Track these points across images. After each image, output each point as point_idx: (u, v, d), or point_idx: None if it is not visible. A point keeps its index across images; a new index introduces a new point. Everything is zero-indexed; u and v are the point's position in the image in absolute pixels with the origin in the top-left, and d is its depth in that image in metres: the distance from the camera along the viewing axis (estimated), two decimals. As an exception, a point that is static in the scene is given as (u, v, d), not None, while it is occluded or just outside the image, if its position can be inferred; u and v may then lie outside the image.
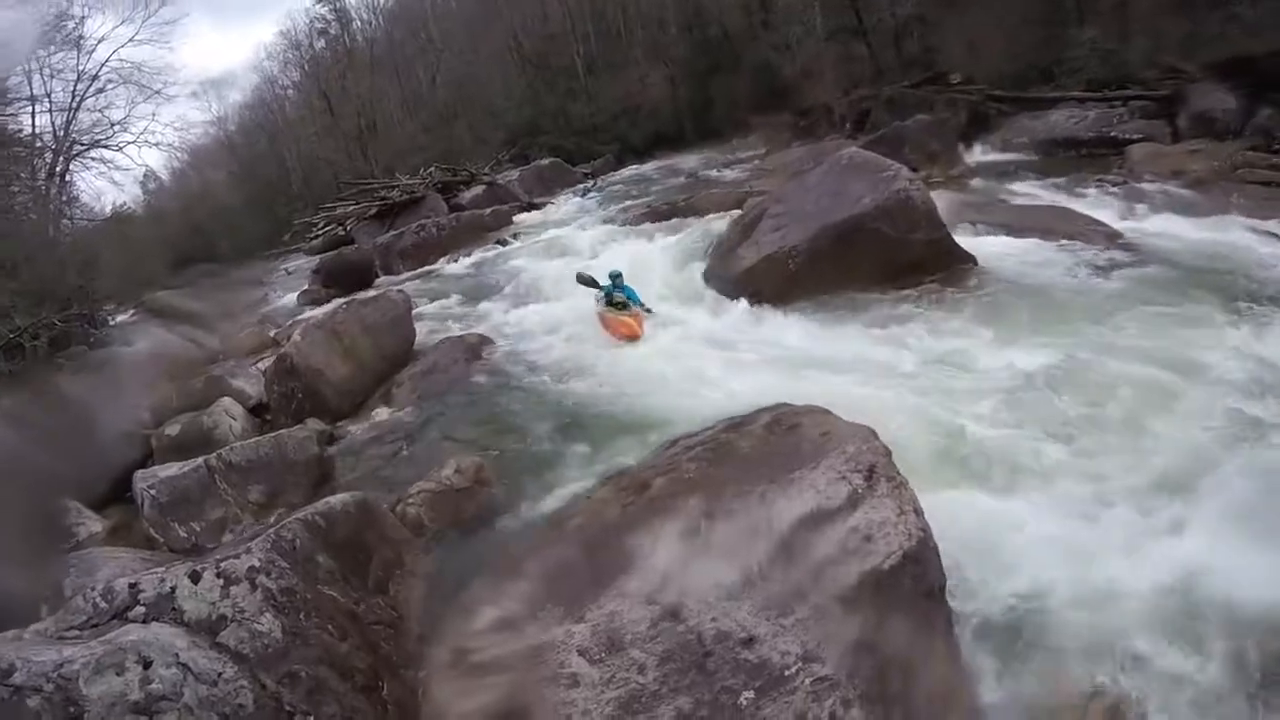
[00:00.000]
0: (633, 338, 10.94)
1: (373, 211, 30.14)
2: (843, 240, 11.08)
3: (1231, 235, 12.11)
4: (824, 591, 4.14)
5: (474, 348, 11.64)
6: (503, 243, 20.65)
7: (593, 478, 6.92)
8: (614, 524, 4.81)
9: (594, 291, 12.22)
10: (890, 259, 10.94)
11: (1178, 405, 7.08)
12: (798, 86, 30.53)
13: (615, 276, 11.96)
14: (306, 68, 57.29)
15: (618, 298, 11.78)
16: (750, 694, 3.86)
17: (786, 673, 3.91)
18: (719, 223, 14.35)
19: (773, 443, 5.21)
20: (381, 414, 10.33)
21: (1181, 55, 20.54)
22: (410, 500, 7.17)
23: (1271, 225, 12.59)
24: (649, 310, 11.59)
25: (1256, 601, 4.84)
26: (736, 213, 14.14)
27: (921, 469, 5.75)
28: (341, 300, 14.75)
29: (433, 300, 15.93)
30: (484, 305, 14.72)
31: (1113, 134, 18.59)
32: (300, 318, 11.80)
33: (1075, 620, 4.96)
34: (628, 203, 22.72)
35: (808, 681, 3.88)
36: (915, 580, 4.39)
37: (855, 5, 30.13)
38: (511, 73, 49.55)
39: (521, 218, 25.02)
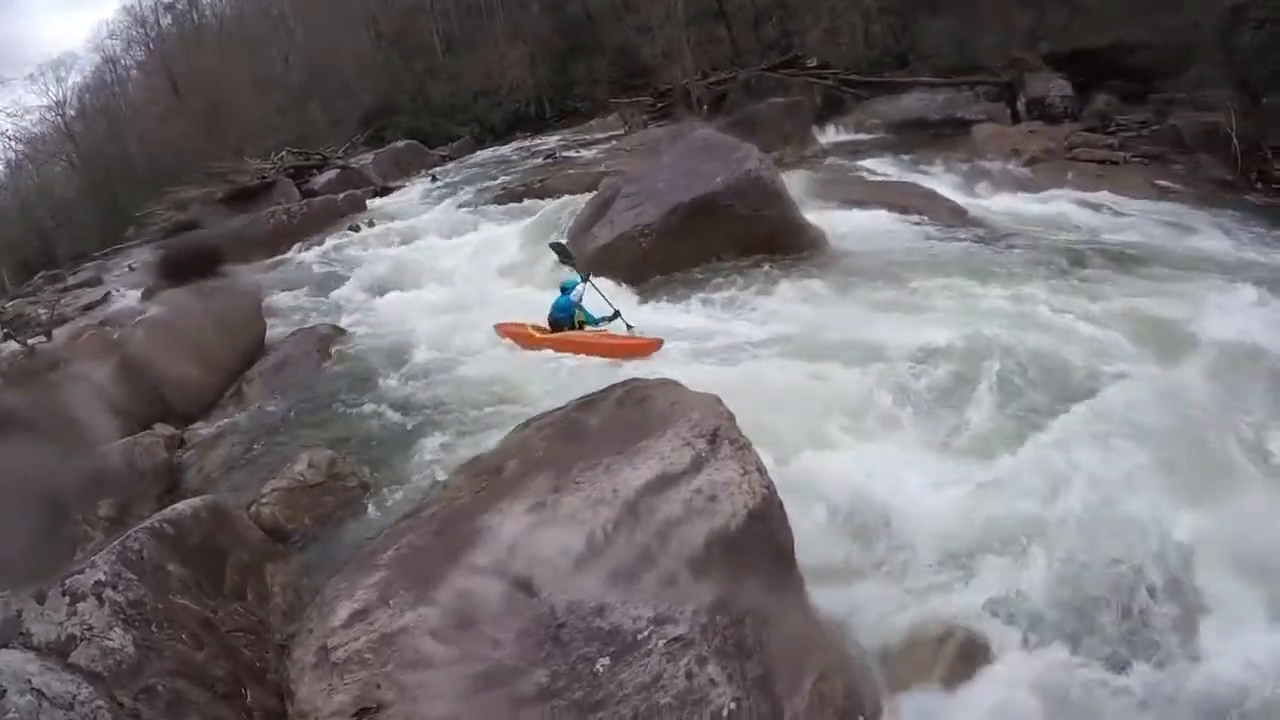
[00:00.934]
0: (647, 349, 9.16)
1: (219, 196, 28.34)
2: (695, 218, 11.23)
3: (1063, 207, 13.14)
4: (672, 553, 4.16)
5: (327, 339, 11.28)
6: (355, 229, 19.89)
7: (451, 464, 6.82)
8: (466, 508, 4.71)
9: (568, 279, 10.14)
10: (741, 235, 11.25)
11: (1008, 360, 7.53)
12: (657, 68, 30.64)
13: (568, 288, 9.94)
14: (152, 46, 53.79)
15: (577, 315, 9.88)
16: (606, 660, 3.85)
17: (639, 637, 3.91)
18: (575, 203, 14.30)
19: (623, 416, 5.20)
20: (233, 413, 9.96)
21: (1027, 45, 21.76)
22: (264, 500, 6.94)
23: (1100, 198, 13.73)
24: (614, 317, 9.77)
25: (1074, 526, 5.48)
26: (592, 193, 14.08)
27: (768, 430, 5.93)
28: (187, 293, 13.78)
29: (285, 290, 15.30)
30: (337, 294, 14.28)
31: (959, 116, 19.40)
32: (144, 315, 10.96)
33: (921, 561, 5.35)
34: (485, 184, 22.36)
35: (661, 644, 3.88)
36: (762, 536, 4.47)
37: (718, -11, 30.19)
38: (368, 51, 47.89)
39: (375, 203, 24.33)
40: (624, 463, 4.58)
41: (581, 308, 9.76)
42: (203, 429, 9.70)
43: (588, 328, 9.68)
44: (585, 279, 9.89)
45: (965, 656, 4.82)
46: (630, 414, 5.18)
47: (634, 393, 5.39)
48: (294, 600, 5.48)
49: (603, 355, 9.10)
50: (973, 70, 21.90)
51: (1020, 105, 19.83)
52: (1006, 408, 6.98)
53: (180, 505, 5.44)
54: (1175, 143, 16.83)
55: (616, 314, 9.55)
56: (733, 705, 3.81)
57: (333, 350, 10.93)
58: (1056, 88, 19.82)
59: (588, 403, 5.49)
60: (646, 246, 11.28)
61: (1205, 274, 10.10)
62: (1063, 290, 9.26)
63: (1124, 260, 10.55)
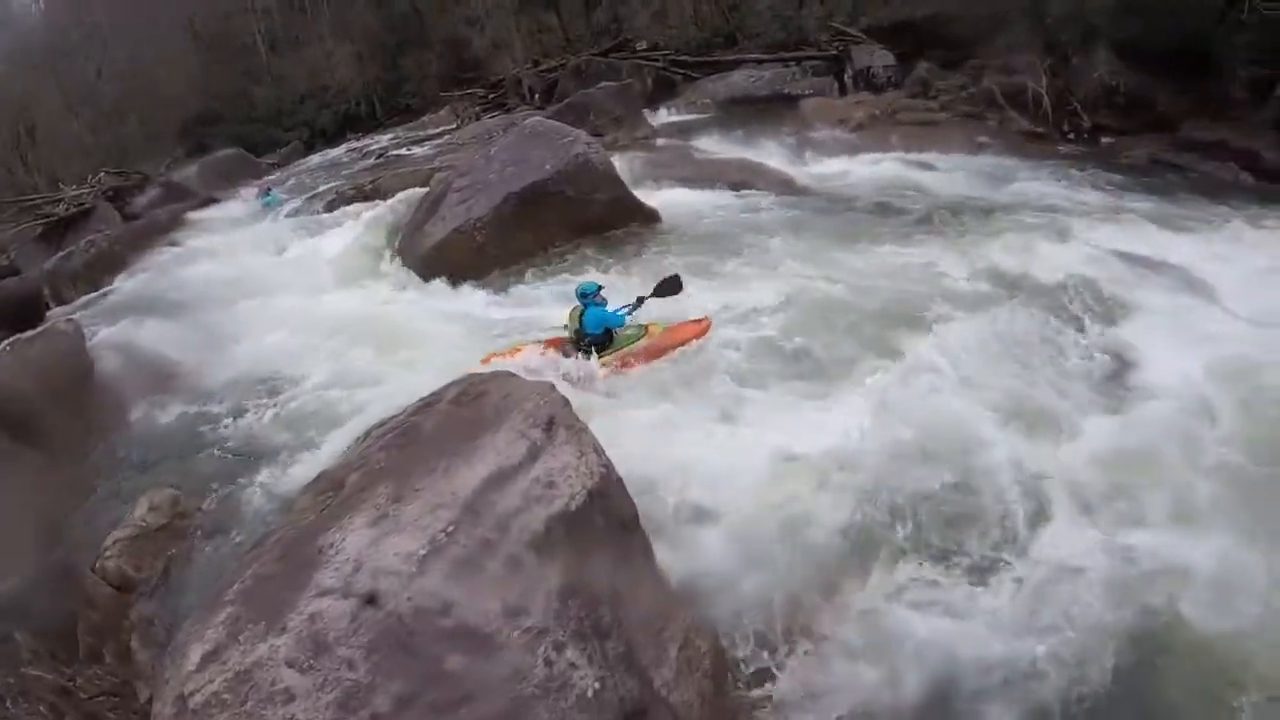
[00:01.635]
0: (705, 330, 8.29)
1: (38, 232, 26.22)
2: (526, 206, 11.18)
3: (888, 167, 13.89)
4: (515, 543, 4.12)
5: (160, 370, 10.42)
6: (180, 246, 18.46)
7: (298, 484, 6.44)
8: (310, 528, 4.53)
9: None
10: (575, 220, 11.28)
11: (835, 315, 7.99)
12: (488, 59, 30.21)
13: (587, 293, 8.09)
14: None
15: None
16: (461, 659, 3.77)
17: (490, 630, 3.85)
18: (407, 201, 13.89)
19: (459, 415, 5.11)
20: (63, 464, 8.99)
21: (850, 20, 22.38)
22: (108, 554, 6.35)
23: (923, 157, 14.63)
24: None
25: (910, 457, 5.97)
26: (425, 190, 13.71)
27: (603, 406, 6.35)
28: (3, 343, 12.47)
29: (112, 323, 13.93)
30: (166, 322, 13.06)
31: (787, 91, 19.96)
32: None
33: (768, 517, 5.51)
34: (316, 190, 21.41)
35: (515, 634, 3.84)
36: (605, 515, 4.52)
37: (547, -24, 29.87)
38: (187, 57, 45.11)
39: (201, 217, 22.61)
40: (461, 463, 4.51)
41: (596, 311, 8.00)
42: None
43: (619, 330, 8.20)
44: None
45: (822, 607, 5.09)
46: (466, 412, 5.09)
47: (470, 389, 5.30)
48: (155, 654, 5.20)
49: (670, 354, 8.01)
50: (800, 46, 22.44)
51: (847, 78, 20.52)
52: (835, 353, 7.44)
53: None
54: (991, 103, 17.99)
55: (640, 301, 8.26)
56: (596, 685, 3.80)
57: (166, 381, 10.13)
58: (880, 58, 20.68)
59: (425, 405, 5.37)
60: (481, 240, 11.13)
61: (1022, 216, 11.24)
62: (886, 241, 9.87)
63: (945, 210, 11.44)
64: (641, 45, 25.06)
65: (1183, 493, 5.80)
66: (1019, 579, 5.21)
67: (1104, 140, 17.38)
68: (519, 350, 8.04)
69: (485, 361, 7.62)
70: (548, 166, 11.27)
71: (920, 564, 5.31)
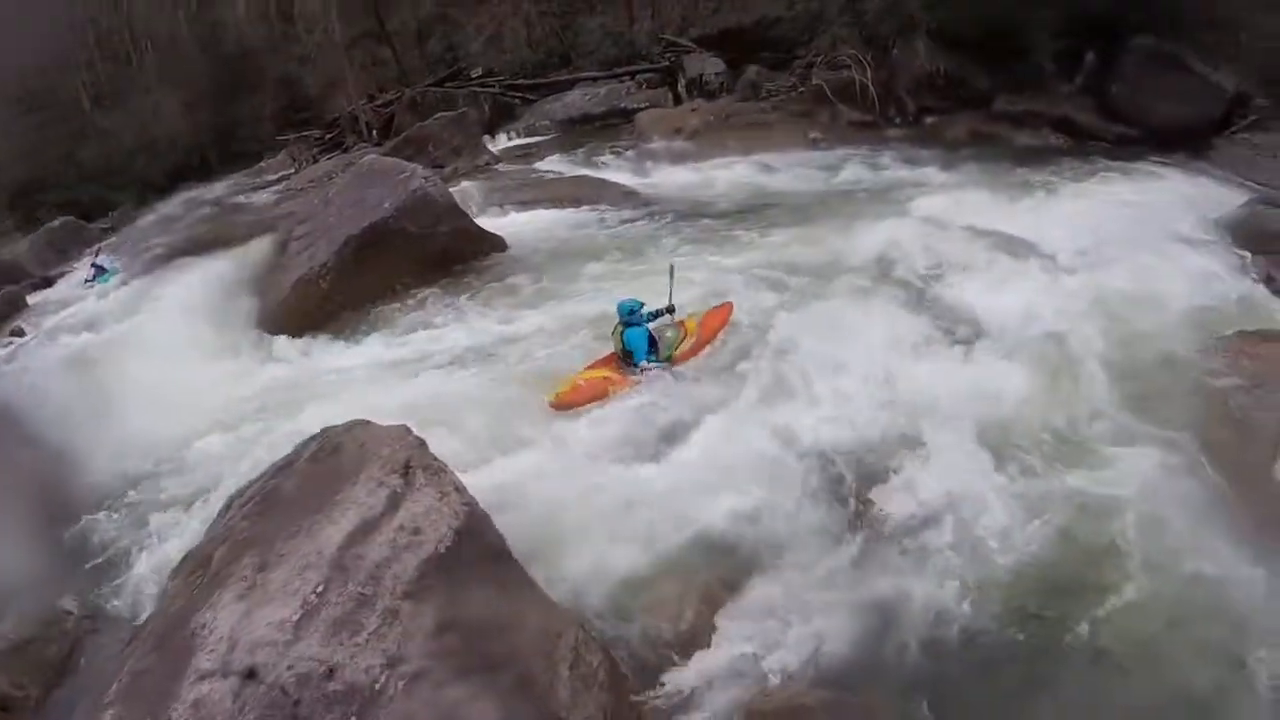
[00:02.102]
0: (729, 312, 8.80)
1: None
2: (369, 248, 10.94)
3: (724, 171, 14.46)
4: (389, 594, 4.10)
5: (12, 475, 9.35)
6: (18, 333, 17.23)
7: (170, 565, 6.16)
8: (182, 612, 4.44)
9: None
10: (420, 257, 11.08)
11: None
12: (323, 98, 29.49)
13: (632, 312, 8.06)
14: None
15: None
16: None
17: (378, 686, 3.82)
18: (247, 253, 13.32)
19: (317, 472, 5.03)
20: None
21: (680, 31, 22.93)
22: None
23: (758, 157, 15.21)
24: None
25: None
26: (266, 239, 13.32)
27: (467, 444, 6.34)
28: None
29: None
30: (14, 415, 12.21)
31: (624, 106, 20.23)
32: None
33: (634, 523, 5.70)
34: (155, 249, 20.20)
35: (400, 684, 3.82)
36: (476, 551, 4.54)
37: (376, 8, 29.20)
38: (6, 119, 42.26)
39: (38, 298, 21.13)
40: (324, 521, 4.47)
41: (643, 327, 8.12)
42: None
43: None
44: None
45: (706, 599, 5.29)
46: (324, 468, 5.03)
47: (325, 444, 5.22)
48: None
49: (715, 340, 8.38)
50: (633, 61, 22.83)
51: (681, 88, 20.96)
52: None
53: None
54: (820, 99, 18.78)
55: (671, 309, 8.37)
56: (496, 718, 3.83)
57: (18, 487, 9.13)
58: (711, 66, 21.29)
59: (283, 466, 5.30)
60: (327, 286, 10.82)
61: (857, 200, 12.09)
62: (724, 241, 10.29)
63: (783, 204, 11.97)
64: (476, 72, 24.99)
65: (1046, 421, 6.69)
66: (903, 542, 5.65)
67: (928, 121, 18.80)
68: (585, 382, 7.89)
69: (559, 402, 7.60)
70: (386, 205, 11.03)
71: (800, 550, 5.57)
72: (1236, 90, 18.44)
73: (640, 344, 7.77)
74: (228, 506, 5.39)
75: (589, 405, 7.49)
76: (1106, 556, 5.42)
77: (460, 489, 4.68)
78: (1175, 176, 14.97)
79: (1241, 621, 4.90)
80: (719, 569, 5.43)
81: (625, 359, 7.89)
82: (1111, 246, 10.12)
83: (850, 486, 6.03)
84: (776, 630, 5.02)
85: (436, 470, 4.77)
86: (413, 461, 4.75)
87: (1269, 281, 9.89)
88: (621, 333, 7.82)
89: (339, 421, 5.40)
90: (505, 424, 7.01)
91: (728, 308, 8.67)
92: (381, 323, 10.21)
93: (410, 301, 10.47)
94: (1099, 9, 18.38)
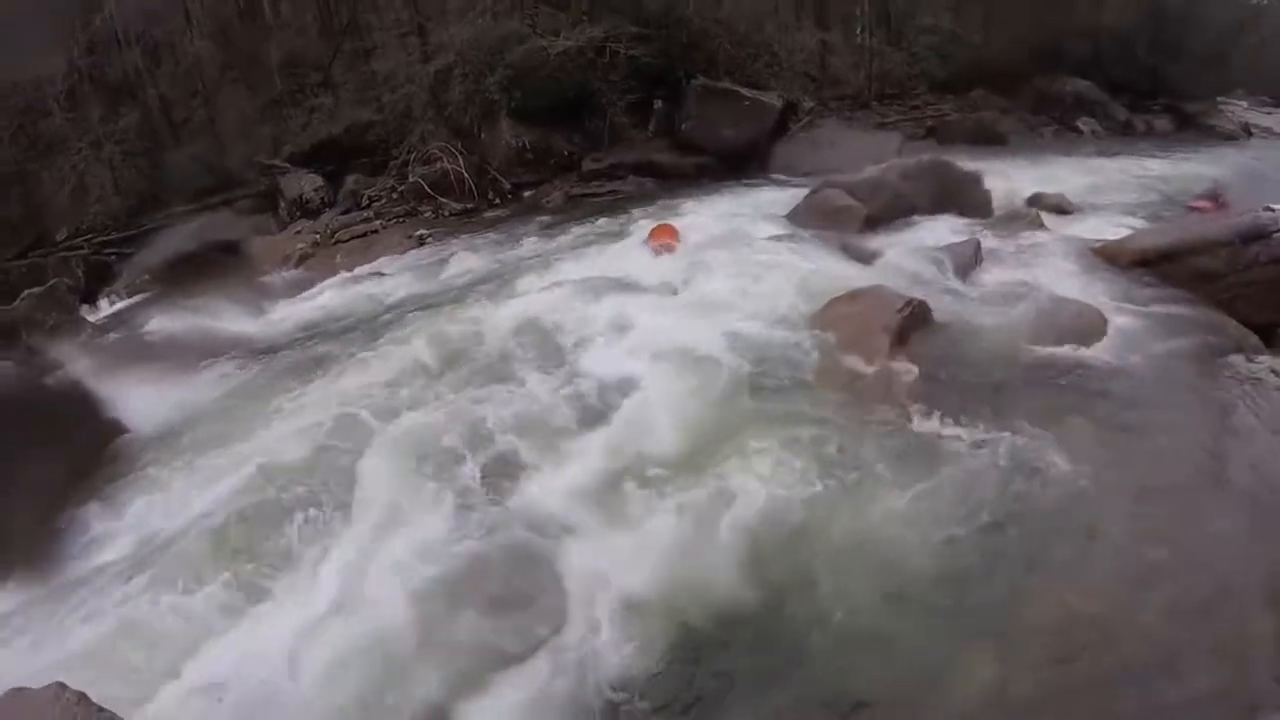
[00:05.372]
0: None
1: None
2: None
3: (337, 294, 14.50)
4: None
5: None
6: None
7: None
8: None
9: None
10: (44, 465, 9.48)
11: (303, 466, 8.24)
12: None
13: None
14: None
15: None
16: None
17: None
18: None
19: None
20: None
21: (274, 151, 22.96)
22: None
23: (370, 268, 15.57)
24: None
25: None
26: None
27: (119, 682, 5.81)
28: None
29: None
30: None
31: (228, 238, 19.68)
32: None
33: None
34: None
35: None
36: None
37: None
38: None
39: None
40: None
41: None
42: None
43: None
44: None
45: None
46: None
47: None
48: None
49: None
50: (230, 188, 22.47)
51: (282, 210, 20.90)
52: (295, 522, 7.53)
53: None
54: (421, 195, 19.57)
55: None
56: None
57: None
58: (309, 182, 21.41)
59: None
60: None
61: (467, 290, 12.79)
62: (333, 376, 10.36)
63: (389, 317, 12.30)
64: (62, 234, 23.25)
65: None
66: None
67: (526, 195, 20.19)
68: None
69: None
70: None
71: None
72: (785, 102, 21.98)
73: None
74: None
75: None
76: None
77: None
78: (749, 188, 17.61)
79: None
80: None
81: None
82: (704, 263, 11.93)
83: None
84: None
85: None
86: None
87: (845, 250, 12.11)
88: None
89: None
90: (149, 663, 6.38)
91: None
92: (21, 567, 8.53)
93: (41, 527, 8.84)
94: (655, 65, 21.21)
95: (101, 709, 4.60)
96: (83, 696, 4.63)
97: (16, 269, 21.52)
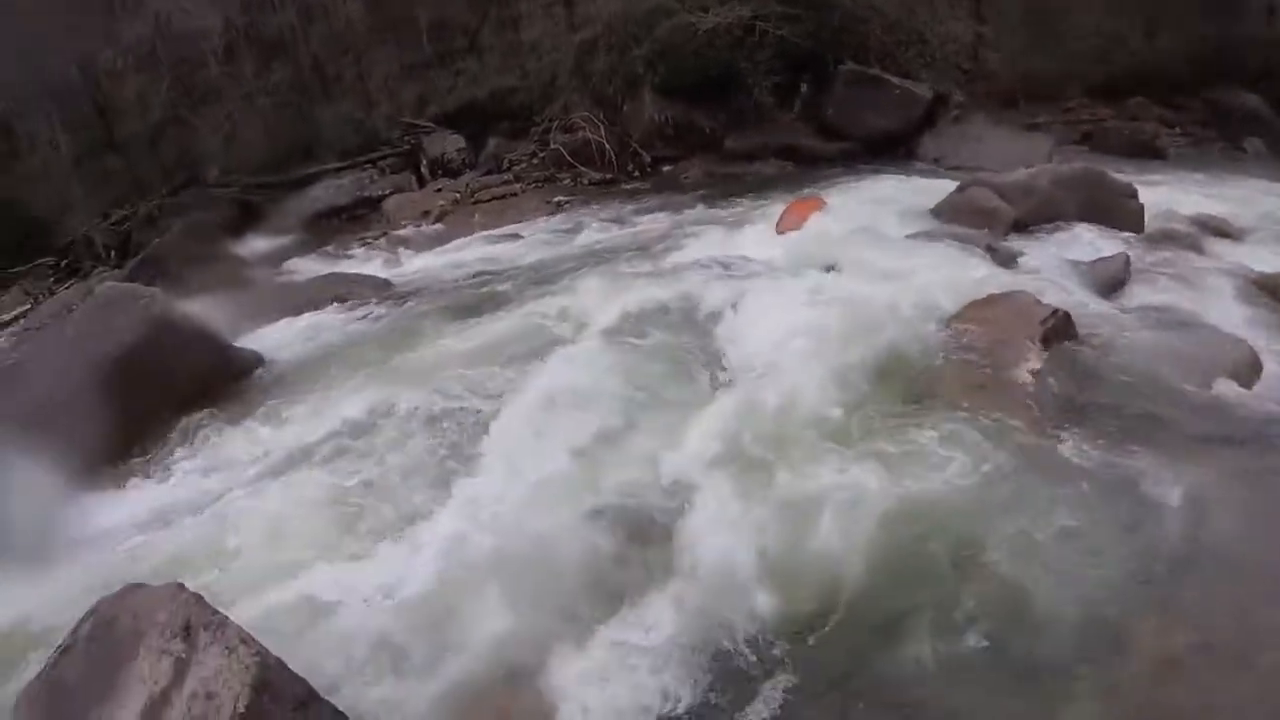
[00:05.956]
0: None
1: None
2: (114, 387, 9.78)
3: (474, 250, 14.71)
4: None
5: None
6: None
7: None
8: None
9: None
10: (172, 392, 10.17)
11: (422, 417, 8.32)
12: (51, 222, 27.60)
13: None
14: None
15: None
16: None
17: None
18: None
19: (96, 654, 4.72)
20: None
21: (418, 111, 23.48)
22: None
23: (506, 230, 15.84)
24: None
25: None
26: None
27: (240, 587, 6.01)
28: None
29: None
30: None
31: (368, 194, 20.26)
32: None
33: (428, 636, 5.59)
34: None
35: None
36: (277, 701, 4.39)
37: (104, 117, 27.85)
38: None
39: None
40: (114, 707, 4.29)
41: None
42: None
43: None
44: None
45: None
46: (103, 647, 4.74)
47: (100, 620, 4.92)
48: None
49: None
50: (374, 147, 23.03)
51: (424, 169, 21.33)
52: (430, 456, 7.70)
53: None
54: (561, 163, 19.66)
55: None
56: None
57: None
58: (452, 144, 21.79)
59: (64, 651, 4.94)
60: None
61: (601, 257, 12.59)
62: (467, 326, 10.40)
63: (524, 278, 12.23)
64: (214, 174, 24.29)
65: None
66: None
67: (664, 169, 20.05)
68: None
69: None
70: (127, 338, 10.07)
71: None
72: (934, 93, 21.25)
73: None
74: (16, 705, 5.01)
75: None
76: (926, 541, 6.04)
77: (247, 640, 4.54)
78: (893, 178, 17.08)
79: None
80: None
81: None
82: (847, 253, 11.42)
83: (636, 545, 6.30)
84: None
85: (219, 624, 4.60)
86: (192, 621, 4.56)
87: (990, 251, 11.51)
88: None
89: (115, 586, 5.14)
90: (273, 552, 6.74)
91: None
92: (144, 475, 9.25)
93: (172, 437, 9.58)
94: (804, 47, 20.72)
95: (215, 610, 4.72)
96: (199, 598, 4.78)
97: (169, 205, 22.55)
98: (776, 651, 5.42)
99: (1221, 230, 13.93)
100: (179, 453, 9.45)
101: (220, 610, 4.75)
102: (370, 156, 22.71)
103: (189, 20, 26.88)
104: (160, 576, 5.21)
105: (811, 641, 5.50)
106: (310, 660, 5.08)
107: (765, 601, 5.73)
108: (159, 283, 12.60)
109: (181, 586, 4.89)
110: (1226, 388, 8.09)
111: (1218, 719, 4.69)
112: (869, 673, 5.26)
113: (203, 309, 11.51)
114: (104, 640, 4.77)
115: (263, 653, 4.55)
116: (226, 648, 4.46)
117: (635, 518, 6.57)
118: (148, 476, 9.32)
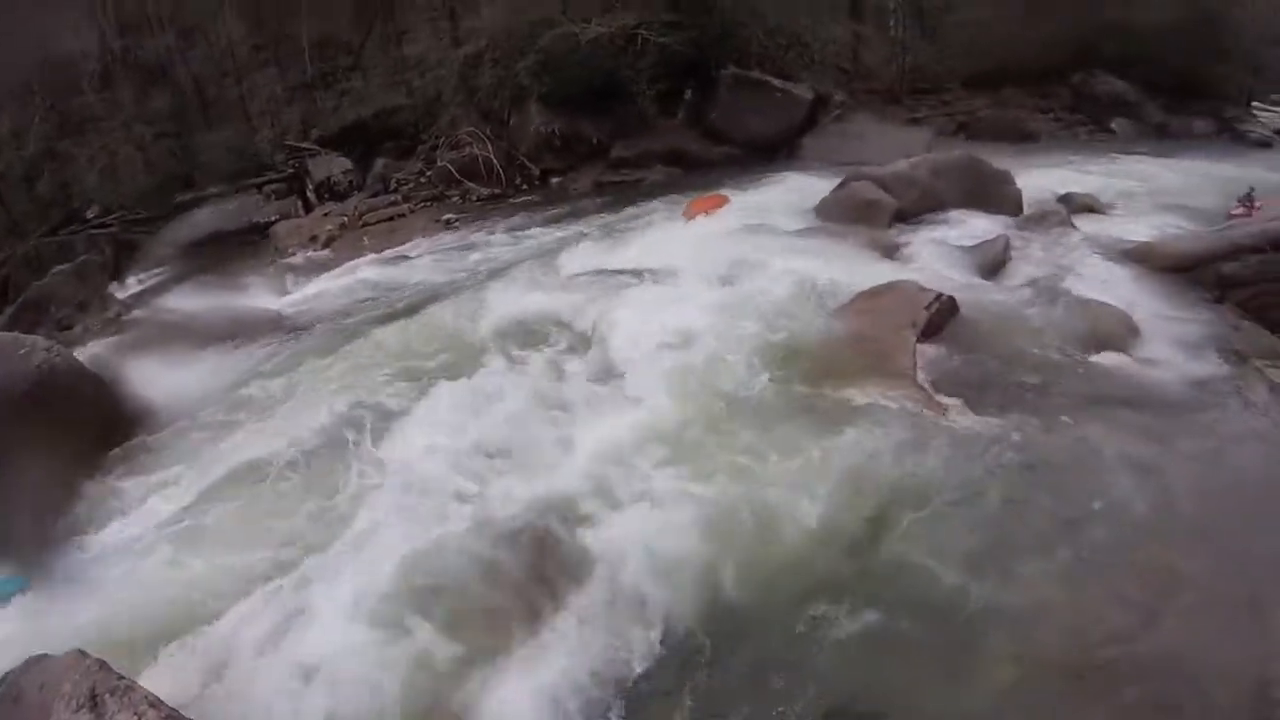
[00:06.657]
0: None
1: None
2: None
3: (363, 274, 15.02)
4: None
5: None
6: None
7: None
8: None
9: None
10: (59, 448, 9.35)
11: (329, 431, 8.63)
12: (-74, 267, 26.35)
13: None
14: None
15: None
16: None
17: None
18: None
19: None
20: None
21: (302, 134, 23.06)
22: None
23: (395, 252, 15.86)
24: None
25: None
26: None
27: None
28: None
29: None
30: None
31: (255, 219, 19.86)
32: None
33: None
34: None
35: None
36: None
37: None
38: None
39: None
40: None
41: None
42: None
43: None
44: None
45: None
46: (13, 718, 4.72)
47: (8, 693, 4.89)
48: None
49: None
50: (259, 172, 22.59)
51: (310, 193, 21.00)
52: (322, 494, 7.77)
53: None
54: (449, 180, 19.58)
55: None
56: None
57: None
58: (338, 166, 21.59)
59: None
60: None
61: (490, 277, 12.76)
62: (354, 356, 10.47)
63: (413, 300, 12.44)
64: (93, 212, 23.41)
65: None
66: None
67: (554, 181, 20.26)
68: None
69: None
70: (14, 389, 9.37)
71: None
72: (816, 94, 21.85)
73: None
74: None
75: None
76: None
77: (155, 703, 4.56)
78: (778, 178, 17.58)
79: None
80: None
81: None
82: (728, 252, 12.04)
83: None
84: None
85: (126, 689, 4.59)
86: (97, 688, 4.54)
87: (873, 243, 12.07)
88: None
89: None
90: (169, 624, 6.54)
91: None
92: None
93: (57, 493, 8.95)
94: (686, 53, 21.15)
95: (120, 675, 4.70)
96: (103, 664, 4.75)
97: (48, 246, 21.73)
98: (680, 646, 5.82)
99: (1093, 207, 14.92)
100: (79, 513, 8.89)
101: (124, 675, 4.73)
102: (254, 181, 22.23)
103: (64, 44, 25.83)
104: (60, 643, 5.12)
105: (716, 631, 5.88)
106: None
107: (660, 598, 6.11)
108: (40, 330, 12.18)
109: (83, 653, 4.85)
110: (1106, 355, 8.89)
111: (1129, 666, 5.21)
112: (777, 656, 5.63)
113: (88, 355, 11.18)
114: (14, 713, 4.71)
115: (173, 714, 4.59)
116: (135, 714, 4.46)
117: (531, 531, 6.76)
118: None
